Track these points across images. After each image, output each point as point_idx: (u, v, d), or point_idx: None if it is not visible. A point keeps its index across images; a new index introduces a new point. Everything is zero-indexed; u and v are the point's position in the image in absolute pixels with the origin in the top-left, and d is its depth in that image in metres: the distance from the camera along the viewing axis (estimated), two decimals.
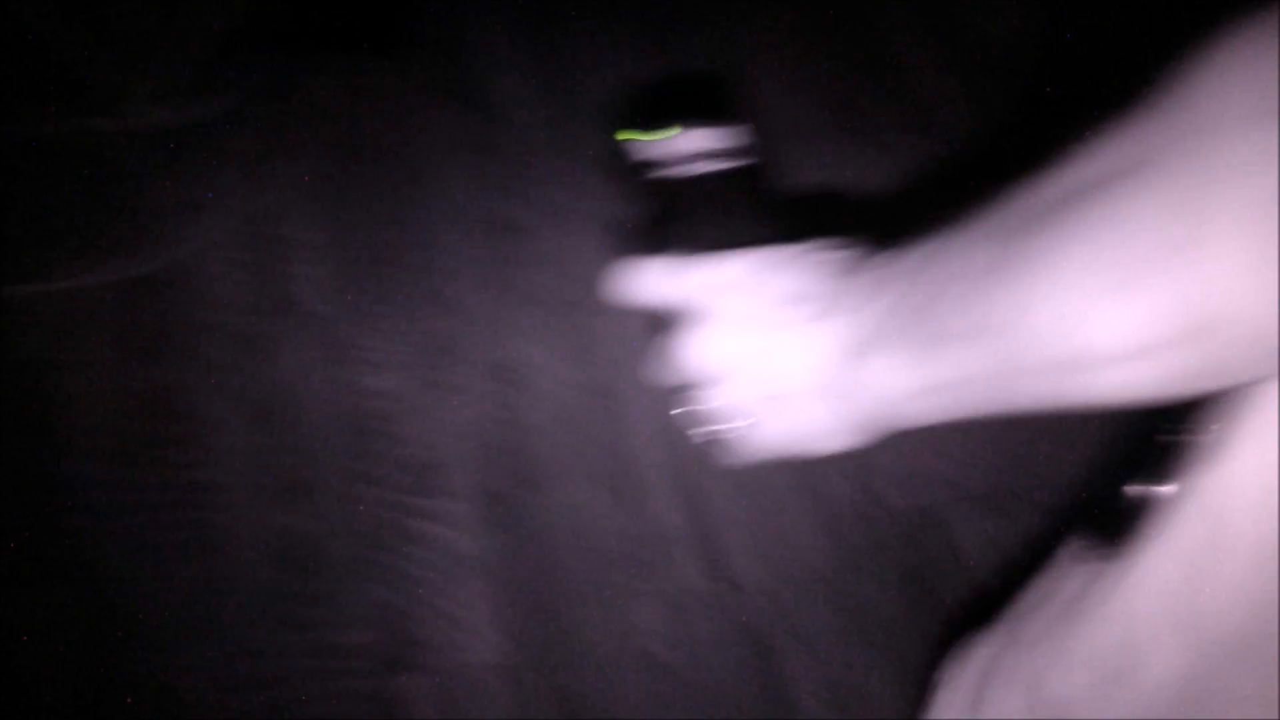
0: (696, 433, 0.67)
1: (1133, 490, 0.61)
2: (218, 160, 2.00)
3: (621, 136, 0.70)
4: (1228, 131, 0.40)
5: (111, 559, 1.54)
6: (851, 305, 0.58)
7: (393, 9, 2.26)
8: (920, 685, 1.02)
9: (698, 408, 0.66)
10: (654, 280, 0.66)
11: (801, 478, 1.72)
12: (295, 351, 1.76)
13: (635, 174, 0.71)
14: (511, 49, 2.28)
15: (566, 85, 2.22)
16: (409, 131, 2.09)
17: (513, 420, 1.73)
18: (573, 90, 2.22)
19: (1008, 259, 0.49)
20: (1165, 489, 0.58)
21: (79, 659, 1.46)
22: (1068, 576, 0.68)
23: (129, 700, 1.44)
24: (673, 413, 0.67)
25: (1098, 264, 0.45)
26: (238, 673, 1.47)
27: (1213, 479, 0.54)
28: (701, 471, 1.70)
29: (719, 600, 1.60)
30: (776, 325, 0.61)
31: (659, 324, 0.67)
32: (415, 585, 1.56)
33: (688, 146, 0.69)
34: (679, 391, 0.66)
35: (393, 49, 2.22)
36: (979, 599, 1.65)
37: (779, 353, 0.61)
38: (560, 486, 1.67)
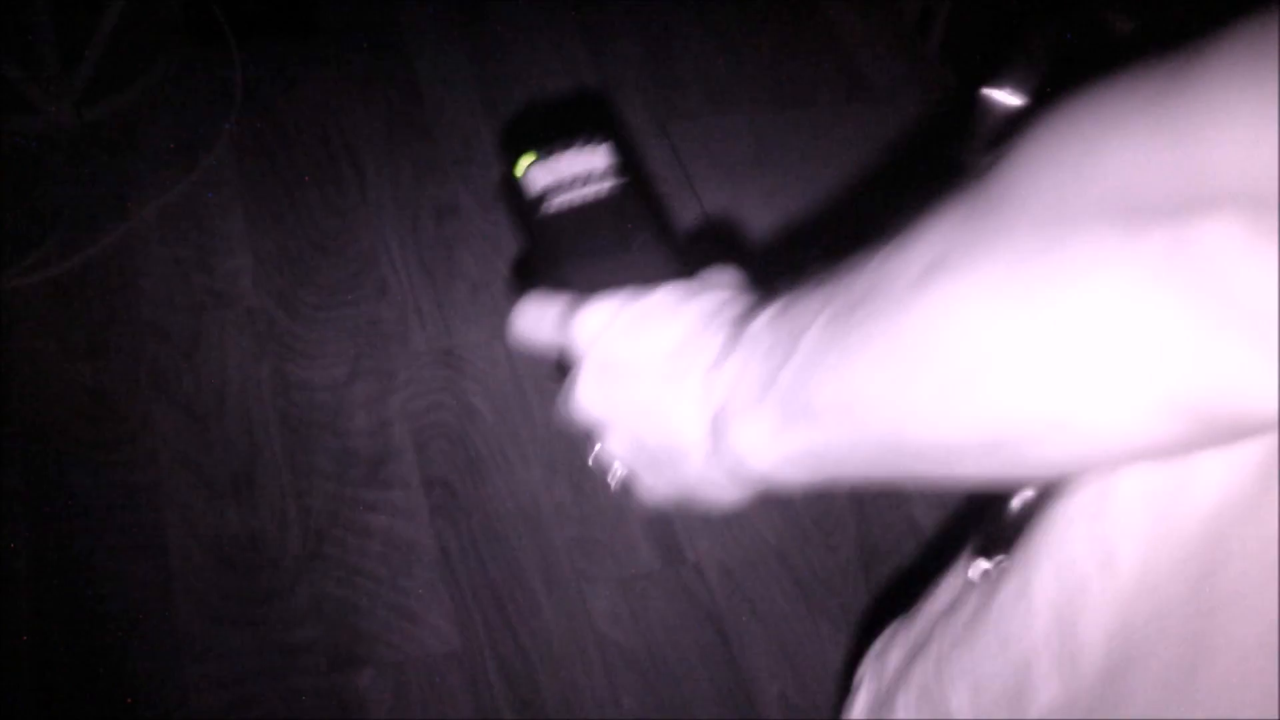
0: (604, 475, 0.65)
1: (1019, 498, 0.60)
2: (143, 155, 1.97)
3: (520, 165, 0.65)
4: (1069, 225, 0.40)
5: (55, 563, 1.51)
6: (720, 361, 0.56)
7: None
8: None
9: (596, 452, 0.64)
10: (531, 323, 0.63)
11: None
12: (236, 347, 1.73)
13: (512, 208, 0.66)
14: (442, 34, 2.25)
15: (499, 66, 2.20)
16: (346, 120, 2.06)
17: (460, 407, 1.71)
18: (506, 71, 2.19)
19: (856, 338, 0.47)
20: (1043, 498, 0.57)
21: (28, 666, 1.43)
22: (969, 586, 0.67)
23: (82, 704, 1.42)
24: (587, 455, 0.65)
25: (931, 358, 0.44)
26: (191, 675, 1.44)
27: (1099, 494, 0.53)
28: None
29: (676, 582, 1.59)
30: (651, 377, 0.59)
31: (557, 366, 0.64)
32: (365, 579, 1.54)
33: (555, 172, 0.64)
34: (581, 435, 0.64)
35: (325, 38, 2.19)
36: (937, 571, 1.65)
37: (652, 407, 0.60)
38: (511, 473, 1.66)
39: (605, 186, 0.64)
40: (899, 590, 1.59)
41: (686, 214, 1.99)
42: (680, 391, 0.57)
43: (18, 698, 1.42)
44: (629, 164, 0.65)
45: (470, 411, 1.71)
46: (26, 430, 1.62)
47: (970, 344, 0.43)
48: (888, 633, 0.82)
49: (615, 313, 0.59)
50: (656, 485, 0.62)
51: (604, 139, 0.65)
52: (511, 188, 0.64)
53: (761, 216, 2.00)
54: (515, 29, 2.27)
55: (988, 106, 0.80)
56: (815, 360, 0.49)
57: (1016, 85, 0.79)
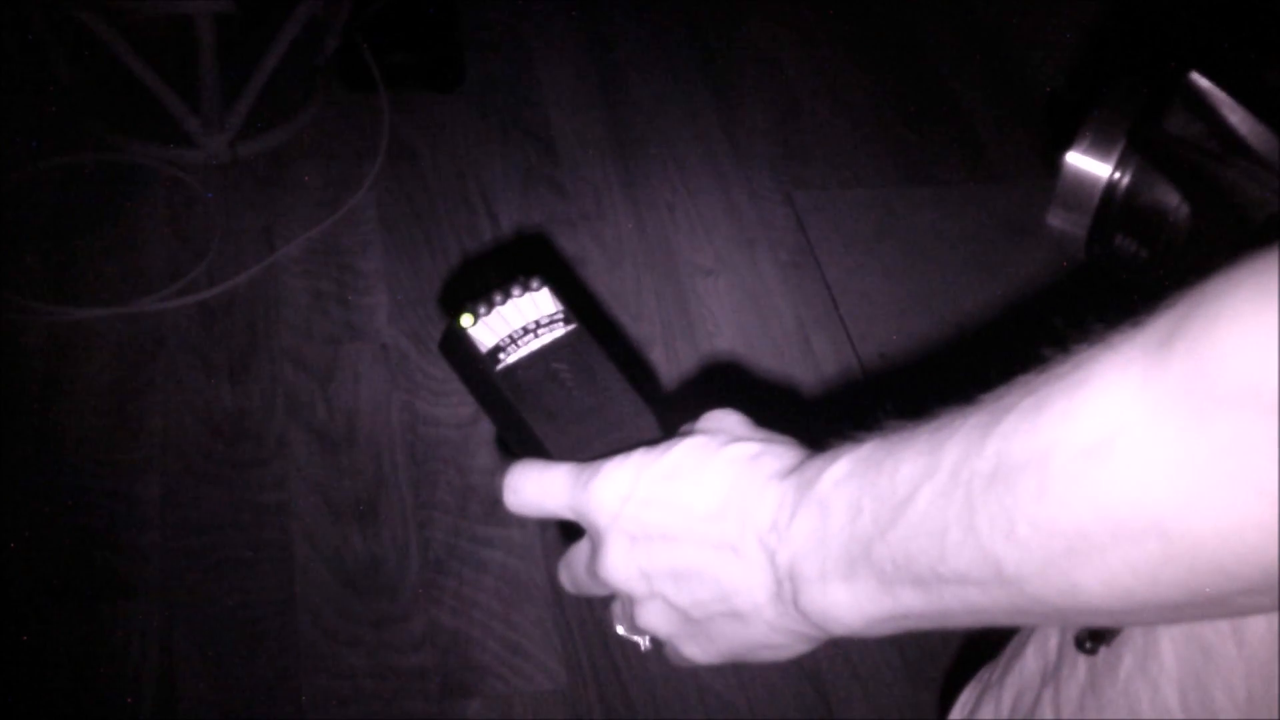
0: (635, 644, 0.60)
1: None
2: (291, 191, 2.06)
3: (460, 322, 0.60)
4: None
5: (184, 575, 1.58)
6: (783, 521, 0.51)
7: (467, 50, 2.32)
8: None
9: (623, 621, 0.59)
10: (533, 496, 0.58)
11: None
12: (370, 380, 1.81)
13: (458, 370, 0.62)
14: (580, 94, 2.33)
15: (632, 127, 2.27)
16: (484, 170, 2.14)
17: None
18: (638, 131, 2.26)
19: (1001, 511, 0.43)
20: None
21: (155, 665, 1.50)
22: (1067, 664, 0.66)
23: (204, 705, 1.48)
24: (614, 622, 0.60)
25: (1116, 539, 0.41)
26: (308, 690, 1.50)
27: None
28: None
29: None
30: (692, 542, 0.54)
31: (563, 530, 0.60)
32: (479, 611, 1.58)
33: (500, 326, 0.60)
34: (599, 603, 0.61)
35: (470, 91, 2.28)
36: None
37: (699, 573, 0.54)
38: None
39: (556, 334, 0.61)
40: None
41: (809, 284, 2.03)
42: (734, 555, 0.53)
43: (142, 696, 1.48)
44: (573, 305, 0.61)
45: None
46: (166, 444, 1.70)
47: (1168, 528, 0.40)
48: (969, 696, 0.82)
49: (635, 477, 0.55)
50: (701, 650, 0.58)
51: (541, 283, 0.62)
52: (453, 348, 0.60)
53: (883, 291, 2.04)
54: (649, 92, 2.34)
55: (1069, 171, 0.79)
56: (935, 530, 0.46)
57: (1097, 149, 0.79)
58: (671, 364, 1.89)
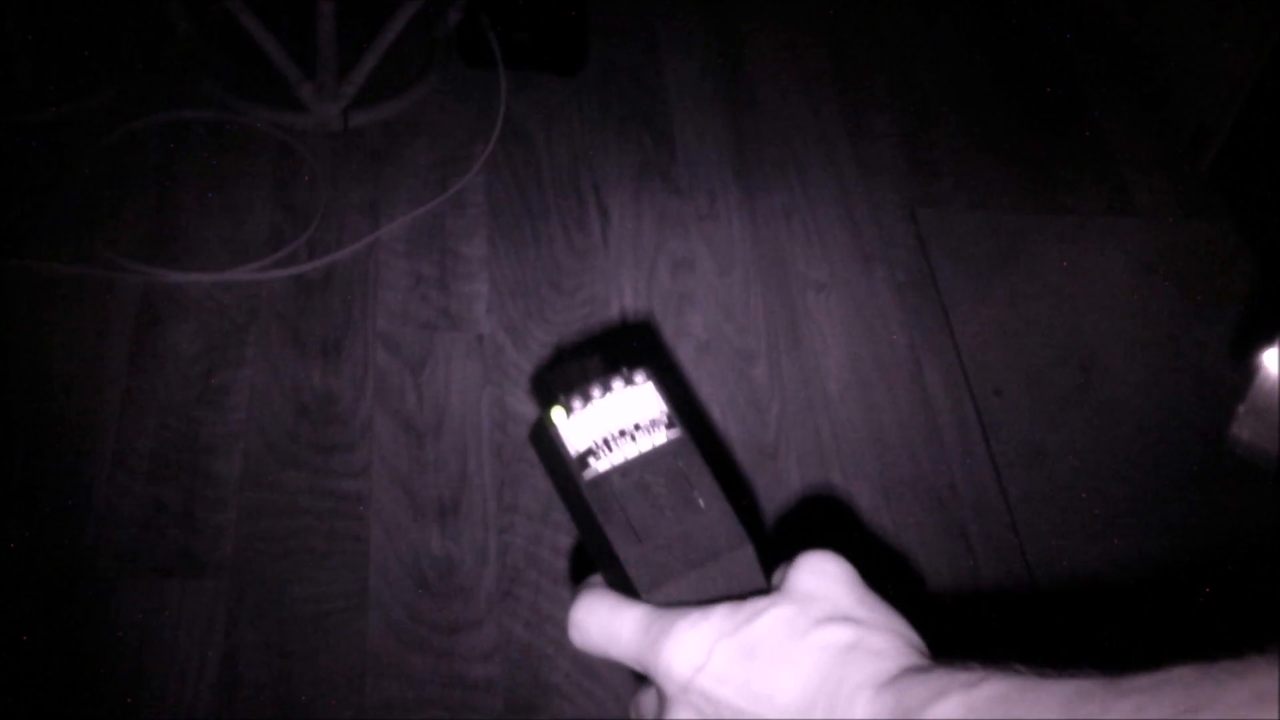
0: None
1: None
2: (400, 167, 2.01)
3: (553, 415, 0.54)
4: None
5: (256, 559, 1.54)
6: None
7: (592, 34, 2.25)
8: None
9: None
10: (600, 633, 0.52)
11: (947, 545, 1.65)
12: (462, 371, 1.75)
13: (547, 466, 0.55)
14: (703, 89, 2.24)
15: (754, 127, 2.18)
16: (598, 160, 2.07)
17: None
18: (760, 133, 2.17)
19: None
20: None
21: (218, 651, 1.46)
22: None
23: (263, 697, 1.43)
24: None
25: None
26: (370, 691, 1.45)
27: None
28: (847, 533, 1.65)
29: None
30: None
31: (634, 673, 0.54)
32: (554, 627, 1.52)
33: (595, 426, 0.54)
34: None
35: (591, 76, 2.20)
36: None
37: None
38: None
39: (656, 441, 0.54)
40: None
41: (925, 308, 1.93)
42: None
43: (202, 677, 1.44)
44: (677, 404, 0.55)
45: None
46: (250, 420, 1.66)
47: None
48: None
49: (711, 646, 0.49)
50: None
51: (646, 376, 0.55)
52: (543, 443, 0.55)
53: (1004, 322, 1.94)
54: (775, 92, 2.26)
55: (1266, 376, 0.67)
56: None
57: None
58: (774, 380, 1.81)
